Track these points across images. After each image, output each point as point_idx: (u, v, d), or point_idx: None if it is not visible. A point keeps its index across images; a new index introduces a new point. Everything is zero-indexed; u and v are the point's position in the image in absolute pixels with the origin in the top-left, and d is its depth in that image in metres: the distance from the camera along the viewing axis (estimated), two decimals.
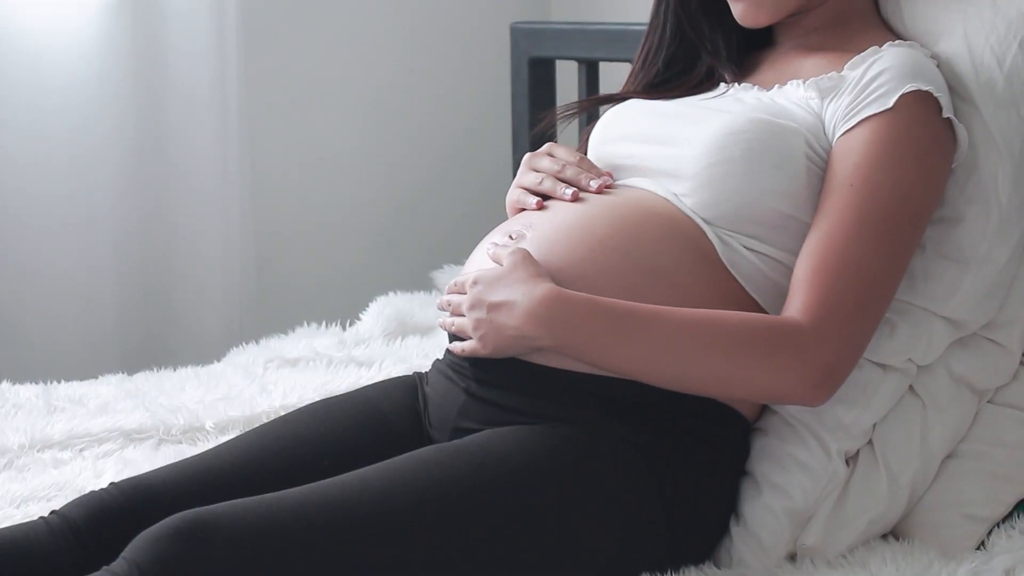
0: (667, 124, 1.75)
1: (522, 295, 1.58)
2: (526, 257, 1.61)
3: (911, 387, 1.68)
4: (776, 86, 1.75)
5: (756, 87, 1.77)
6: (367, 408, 1.73)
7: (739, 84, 1.80)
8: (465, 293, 1.64)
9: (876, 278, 1.59)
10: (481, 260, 1.69)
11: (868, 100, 1.63)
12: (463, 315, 1.63)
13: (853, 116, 1.63)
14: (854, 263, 1.58)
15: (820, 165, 1.65)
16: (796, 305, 1.58)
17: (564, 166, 1.74)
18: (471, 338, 1.62)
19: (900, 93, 1.61)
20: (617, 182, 1.75)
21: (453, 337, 1.68)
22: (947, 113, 1.63)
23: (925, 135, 1.62)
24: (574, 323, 1.56)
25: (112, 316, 2.91)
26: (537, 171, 1.76)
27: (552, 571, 1.53)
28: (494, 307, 1.59)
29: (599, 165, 1.81)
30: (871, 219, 1.59)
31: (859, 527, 1.64)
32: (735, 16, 1.77)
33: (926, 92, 1.62)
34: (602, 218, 1.65)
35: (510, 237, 1.68)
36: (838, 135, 1.64)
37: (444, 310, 1.68)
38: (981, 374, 1.69)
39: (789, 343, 1.55)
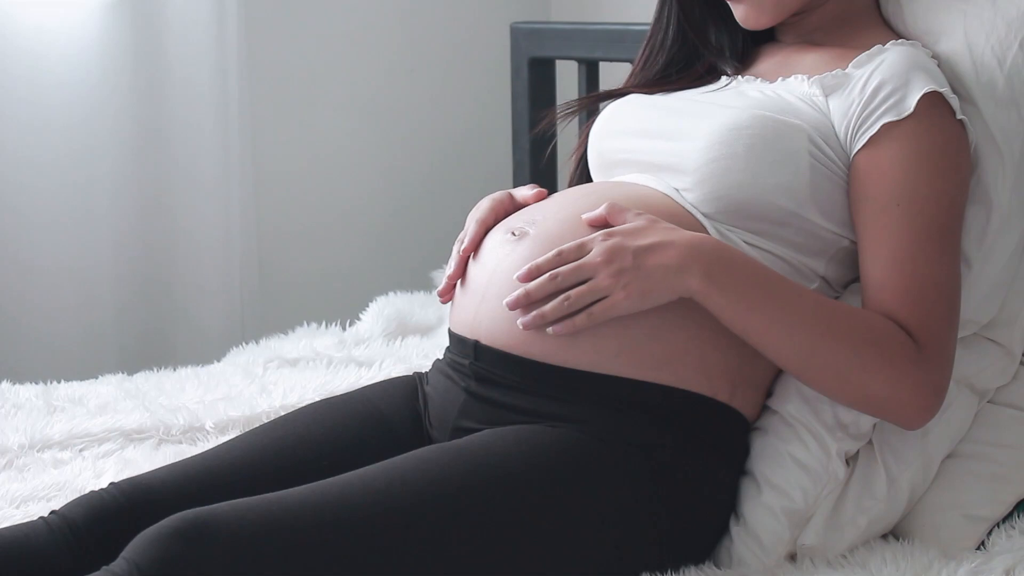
0: (668, 118, 1.75)
1: (679, 235, 1.56)
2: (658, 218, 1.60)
3: None
4: (780, 79, 1.74)
5: (759, 79, 1.77)
6: (367, 408, 1.73)
7: (741, 77, 1.80)
8: (566, 264, 1.57)
9: (951, 292, 1.60)
10: (492, 250, 1.68)
11: (884, 106, 1.62)
12: (578, 285, 1.55)
13: (872, 124, 1.62)
14: (931, 283, 1.59)
15: (825, 163, 1.64)
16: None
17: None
18: (603, 299, 1.55)
19: (917, 97, 1.61)
20: (617, 178, 1.76)
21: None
22: (960, 115, 1.64)
23: (950, 141, 1.63)
24: (731, 270, 1.56)
25: (111, 314, 2.91)
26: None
27: (552, 570, 1.52)
28: (643, 250, 1.55)
29: (600, 160, 1.82)
30: (929, 235, 1.59)
31: (859, 527, 1.64)
32: (737, 18, 1.77)
33: (940, 95, 1.62)
34: None
35: (512, 233, 1.67)
36: (859, 145, 1.63)
37: (535, 298, 1.57)
38: (981, 374, 1.69)
39: (911, 356, 1.56)
